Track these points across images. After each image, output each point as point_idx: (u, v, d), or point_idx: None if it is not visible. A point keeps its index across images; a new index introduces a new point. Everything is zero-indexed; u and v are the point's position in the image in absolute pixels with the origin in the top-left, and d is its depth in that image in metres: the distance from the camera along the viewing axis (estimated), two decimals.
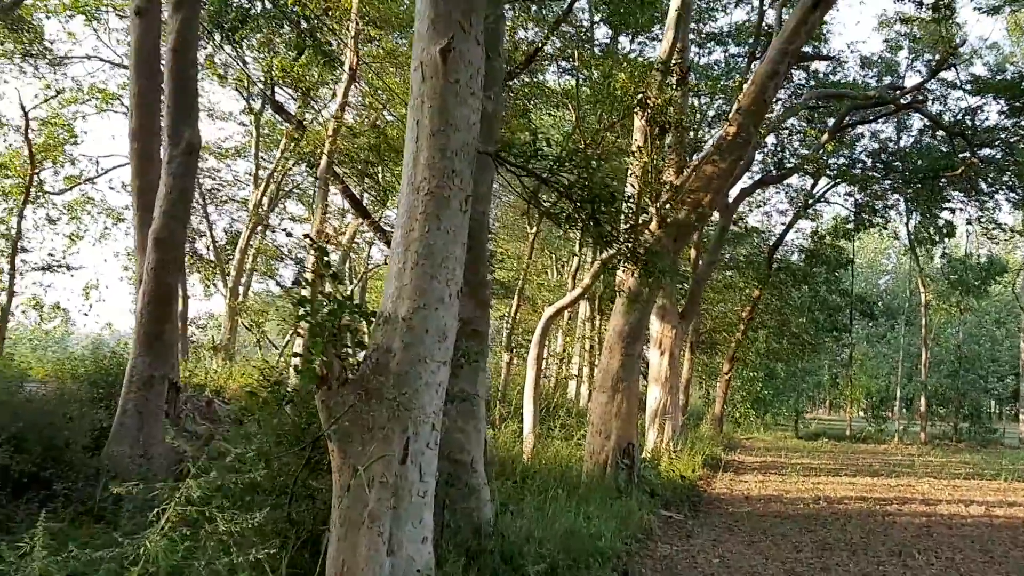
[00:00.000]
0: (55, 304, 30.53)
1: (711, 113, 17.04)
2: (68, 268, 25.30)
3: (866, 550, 9.70)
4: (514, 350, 19.91)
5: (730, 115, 12.58)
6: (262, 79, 20.17)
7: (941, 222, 29.81)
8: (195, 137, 9.91)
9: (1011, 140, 22.37)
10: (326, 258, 5.06)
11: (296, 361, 4.90)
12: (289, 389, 4.92)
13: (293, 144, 18.47)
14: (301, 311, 4.64)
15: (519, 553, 6.11)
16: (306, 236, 5.09)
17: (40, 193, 25.99)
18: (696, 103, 20.20)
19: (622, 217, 7.15)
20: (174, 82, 9.82)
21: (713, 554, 9.18)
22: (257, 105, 27.94)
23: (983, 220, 26.48)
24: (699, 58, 23.66)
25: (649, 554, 8.83)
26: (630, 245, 6.10)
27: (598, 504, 9.81)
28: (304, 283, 4.40)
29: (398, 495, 4.75)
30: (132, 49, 10.42)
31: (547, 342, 30.60)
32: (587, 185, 5.25)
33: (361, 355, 4.94)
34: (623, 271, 12.20)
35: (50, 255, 24.94)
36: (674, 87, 12.30)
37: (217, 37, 18.08)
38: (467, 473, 6.18)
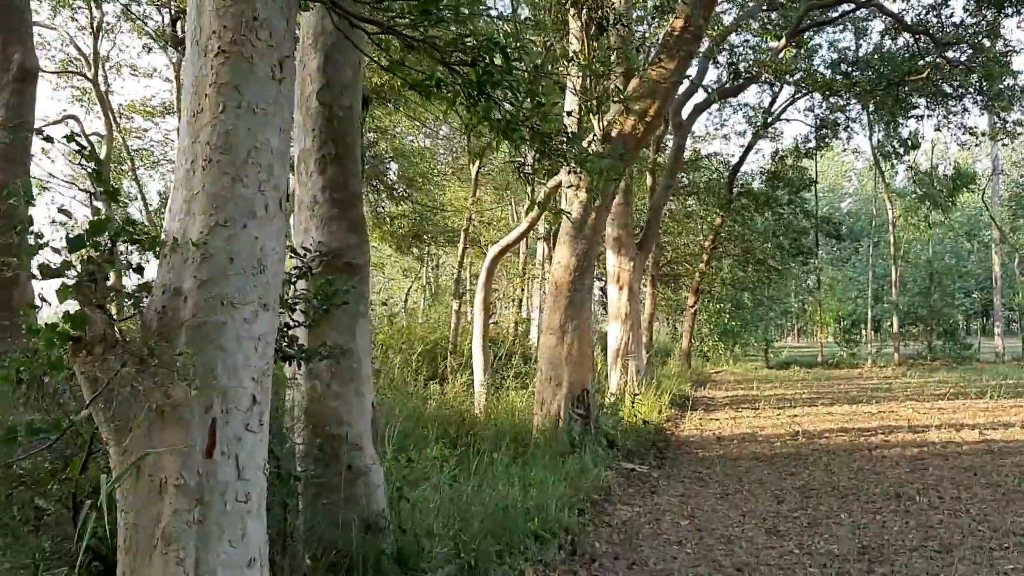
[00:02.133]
0: None
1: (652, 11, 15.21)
2: None
3: (857, 494, 8.42)
4: (463, 297, 18.41)
5: (677, 8, 10.97)
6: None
7: (906, 133, 28.58)
8: (29, 60, 8.14)
9: (978, 38, 20.95)
10: (87, 150, 3.44)
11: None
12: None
13: None
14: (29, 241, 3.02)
15: (422, 551, 4.64)
16: (70, 137, 3.57)
17: None
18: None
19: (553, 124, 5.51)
20: None
21: (681, 513, 7.82)
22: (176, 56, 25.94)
23: (951, 126, 25.15)
24: None
25: (606, 520, 7.44)
26: (547, 138, 4.52)
27: (546, 464, 8.41)
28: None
29: (204, 503, 3.21)
30: None
31: (496, 286, 29.18)
32: (466, 45, 3.64)
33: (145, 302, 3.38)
34: (566, 191, 10.67)
35: None
36: None
37: None
38: (347, 452, 4.67)
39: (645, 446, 11.23)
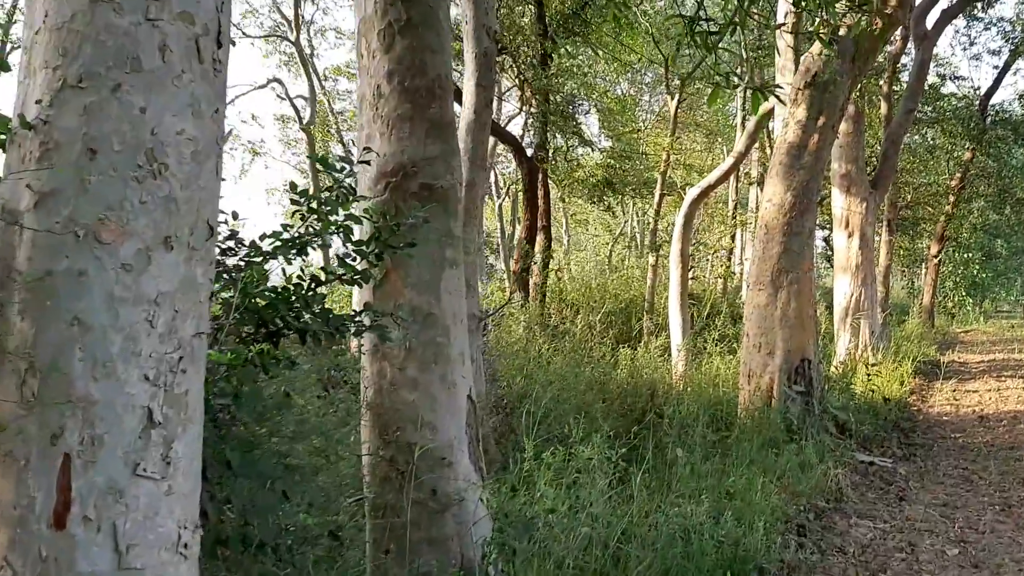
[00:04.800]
0: None
1: None
2: None
3: None
4: (660, 250, 16.42)
5: None
6: None
7: None
8: None
9: None
10: None
11: None
12: None
13: None
14: None
15: None
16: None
17: None
18: None
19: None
20: None
21: (947, 536, 5.64)
22: None
23: None
24: None
25: (837, 545, 5.41)
26: None
27: (753, 458, 6.47)
28: None
29: None
30: None
31: (703, 238, 26.68)
32: None
33: None
34: (784, 106, 8.51)
35: None
36: None
37: None
38: (432, 468, 3.08)
39: (886, 429, 8.91)
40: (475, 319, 7.63)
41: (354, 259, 2.88)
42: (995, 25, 24.07)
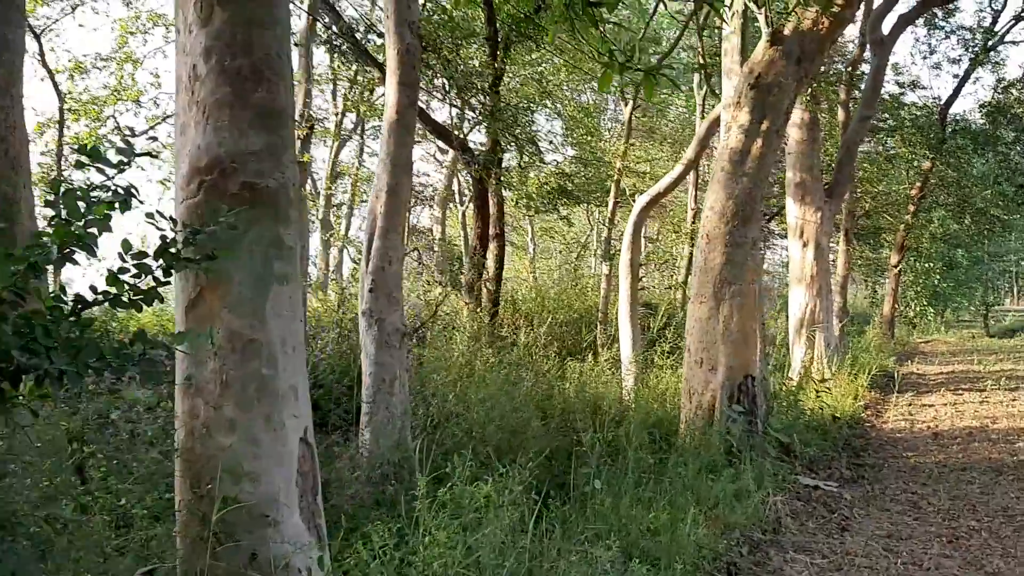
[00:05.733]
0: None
1: None
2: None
3: None
4: (613, 259, 15.97)
5: None
6: None
7: None
8: None
9: None
10: None
11: None
12: None
13: None
14: None
15: None
16: None
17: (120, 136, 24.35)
18: None
19: None
20: None
21: (887, 573, 5.19)
22: None
23: None
24: None
25: None
26: None
27: (687, 483, 6.00)
28: None
29: None
30: None
31: (667, 248, 26.32)
32: None
33: None
34: (726, 110, 8.12)
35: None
36: None
37: None
38: (252, 527, 2.55)
39: (835, 449, 8.50)
40: (398, 333, 7.13)
41: (139, 275, 2.36)
42: (955, 34, 23.99)
